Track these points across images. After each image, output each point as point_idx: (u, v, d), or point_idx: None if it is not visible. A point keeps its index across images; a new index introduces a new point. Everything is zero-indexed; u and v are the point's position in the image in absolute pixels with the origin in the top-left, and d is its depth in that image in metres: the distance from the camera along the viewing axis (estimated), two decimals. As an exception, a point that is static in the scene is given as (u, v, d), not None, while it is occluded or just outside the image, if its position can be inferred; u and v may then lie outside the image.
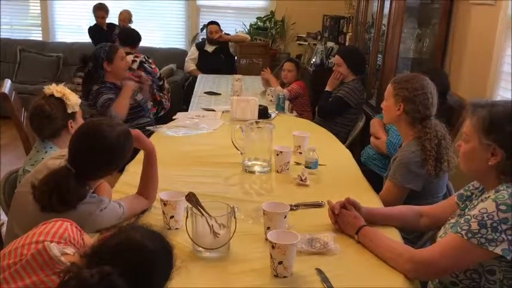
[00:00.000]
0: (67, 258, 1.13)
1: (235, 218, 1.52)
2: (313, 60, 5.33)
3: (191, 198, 1.53)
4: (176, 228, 1.66)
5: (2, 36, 6.14)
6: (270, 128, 2.28)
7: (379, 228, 1.70)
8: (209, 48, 5.56)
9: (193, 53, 5.62)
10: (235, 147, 2.33)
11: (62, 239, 1.16)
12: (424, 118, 2.11)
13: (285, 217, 1.62)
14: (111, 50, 3.20)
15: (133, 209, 1.73)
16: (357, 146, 3.55)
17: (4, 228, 1.74)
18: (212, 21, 5.67)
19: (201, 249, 1.51)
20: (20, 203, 1.62)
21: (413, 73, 2.30)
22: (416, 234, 2.03)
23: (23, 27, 6.44)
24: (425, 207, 1.82)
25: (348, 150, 2.73)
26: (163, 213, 1.67)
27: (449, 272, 1.45)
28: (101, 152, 1.54)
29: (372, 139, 2.95)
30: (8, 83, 2.63)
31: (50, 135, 2.02)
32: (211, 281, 1.40)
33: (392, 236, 1.66)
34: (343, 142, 3.42)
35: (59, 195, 1.49)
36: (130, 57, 3.88)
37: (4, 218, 1.88)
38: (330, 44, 5.37)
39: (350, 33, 4.98)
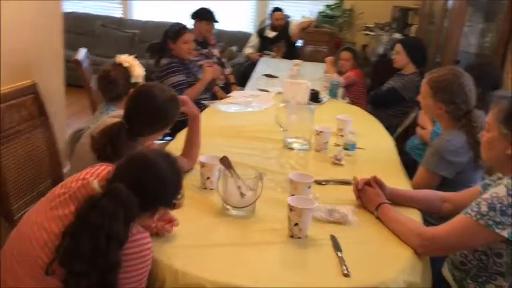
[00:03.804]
0: None
1: (261, 182, 1.67)
2: (377, 50, 5.33)
3: (224, 161, 1.70)
4: (211, 189, 1.83)
5: (83, 11, 6.61)
6: (312, 109, 2.40)
7: (402, 209, 1.79)
8: (270, 34, 5.69)
9: (252, 40, 5.78)
10: (279, 124, 2.48)
11: (103, 178, 1.37)
12: (467, 112, 2.15)
13: (309, 187, 1.76)
14: (178, 32, 3.42)
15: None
16: (408, 136, 3.57)
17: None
18: (277, 8, 5.79)
19: (228, 207, 1.67)
20: (80, 153, 1.86)
21: (447, 68, 2.29)
22: (441, 220, 2.08)
23: (105, 3, 6.89)
24: (450, 193, 1.88)
25: (390, 138, 2.79)
26: (201, 174, 1.85)
27: (455, 250, 1.53)
28: (149, 111, 1.74)
29: (418, 129, 2.98)
30: (82, 51, 2.92)
31: (113, 98, 2.27)
32: (233, 235, 1.57)
33: (414, 217, 1.74)
34: (393, 133, 3.47)
35: (113, 146, 1.70)
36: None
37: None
38: (396, 35, 5.34)
39: (416, 25, 4.93)
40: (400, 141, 3.17)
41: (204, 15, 4.20)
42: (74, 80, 3.22)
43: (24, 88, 2.01)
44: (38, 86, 2.08)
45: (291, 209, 1.52)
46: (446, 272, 1.74)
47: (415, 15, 5.07)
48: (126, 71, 2.28)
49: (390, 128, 3.56)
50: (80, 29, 6.40)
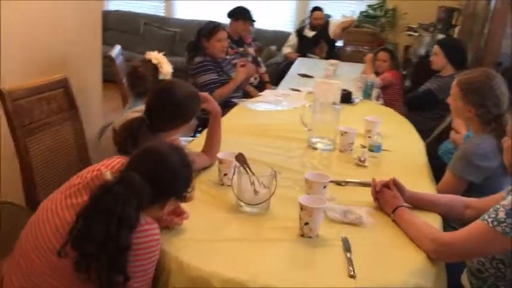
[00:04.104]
0: None
1: (276, 180, 1.67)
2: (418, 51, 5.21)
3: (240, 158, 1.71)
4: (228, 185, 1.84)
5: (128, 10, 6.80)
6: (337, 109, 2.38)
7: (422, 213, 1.75)
8: (309, 34, 5.66)
9: (291, 39, 5.77)
10: (303, 123, 2.47)
11: (117, 170, 1.41)
12: (497, 116, 2.07)
13: (325, 187, 1.74)
14: (212, 30, 3.46)
15: (197, 164, 1.94)
16: (443, 140, 3.47)
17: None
18: (316, 7, 5.76)
19: (242, 204, 1.68)
20: (104, 146, 1.93)
21: (479, 70, 2.21)
22: (464, 226, 2.02)
23: (149, 2, 7.05)
24: (473, 199, 1.82)
25: (421, 142, 2.73)
26: (219, 170, 1.87)
27: (471, 256, 1.48)
28: (170, 107, 1.78)
29: (452, 133, 2.89)
30: (117, 48, 3.01)
31: (140, 94, 2.33)
32: (243, 231, 1.58)
33: (433, 222, 1.69)
34: (428, 136, 3.38)
35: (133, 140, 1.75)
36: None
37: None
38: (439, 36, 5.19)
39: (459, 26, 4.78)
40: (435, 145, 3.08)
41: (240, 14, 4.22)
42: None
43: (55, 82, 2.10)
44: (68, 80, 2.16)
45: (302, 207, 1.52)
46: (465, 280, 1.69)
47: (459, 15, 4.92)
48: (154, 68, 2.33)
49: (426, 131, 3.47)
50: (124, 27, 6.59)
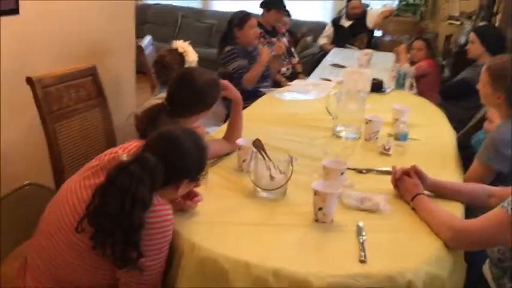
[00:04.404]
0: None
1: (292, 166, 1.68)
2: (459, 40, 5.05)
3: (256, 143, 1.72)
4: (247, 171, 1.87)
5: (166, 3, 6.91)
6: (363, 97, 2.35)
7: (445, 202, 1.71)
8: (345, 24, 5.58)
9: (327, 29, 5.69)
10: (328, 112, 2.45)
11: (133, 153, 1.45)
12: None
13: (342, 174, 1.73)
14: (243, 18, 3.48)
15: (217, 150, 1.98)
16: (477, 130, 3.36)
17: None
18: (354, -4, 5.67)
19: (258, 189, 1.70)
20: (128, 132, 1.98)
21: (509, 56, 2.12)
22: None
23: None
24: (498, 188, 1.76)
25: (452, 132, 2.66)
26: (238, 156, 1.89)
27: (489, 245, 1.44)
28: (189, 94, 1.81)
29: (486, 123, 2.80)
30: (147, 39, 3.08)
31: (165, 82, 2.37)
32: (258, 215, 1.59)
33: (455, 211, 1.65)
34: (464, 126, 3.28)
35: (154, 126, 1.78)
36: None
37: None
38: (481, 24, 5.01)
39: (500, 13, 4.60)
40: (470, 136, 2.99)
41: (273, 4, 4.22)
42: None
43: (83, 70, 2.17)
44: (96, 69, 2.23)
45: (316, 193, 1.52)
46: (486, 270, 1.64)
47: (501, 2, 4.72)
48: (180, 57, 2.37)
49: (461, 122, 3.37)
50: (162, 20, 6.70)
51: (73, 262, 1.36)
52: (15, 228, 1.58)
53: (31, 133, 2.35)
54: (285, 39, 4.38)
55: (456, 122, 3.26)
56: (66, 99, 2.05)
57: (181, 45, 2.40)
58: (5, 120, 2.40)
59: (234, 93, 2.02)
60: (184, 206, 1.52)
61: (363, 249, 1.38)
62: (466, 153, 2.37)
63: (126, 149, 1.47)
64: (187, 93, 1.81)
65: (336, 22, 5.68)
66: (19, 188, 1.63)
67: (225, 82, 1.97)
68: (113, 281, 1.38)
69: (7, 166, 2.43)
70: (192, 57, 2.39)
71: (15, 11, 2.34)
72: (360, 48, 5.34)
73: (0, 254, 1.59)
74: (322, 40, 5.70)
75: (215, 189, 1.72)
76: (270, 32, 4.23)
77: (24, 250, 1.54)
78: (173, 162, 1.35)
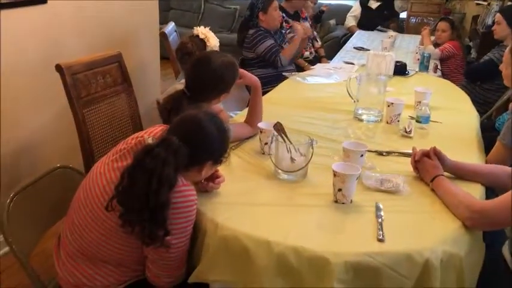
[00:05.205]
0: None
1: (312, 148, 1.71)
2: (486, 21, 4.96)
3: (277, 126, 1.76)
4: (269, 154, 1.91)
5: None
6: (384, 80, 2.35)
7: (464, 183, 1.72)
8: (373, 5, 5.52)
9: (355, 9, 5.64)
10: (349, 95, 2.47)
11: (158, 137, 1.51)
12: None
13: (362, 156, 1.76)
14: (267, 1, 3.50)
15: (239, 134, 2.02)
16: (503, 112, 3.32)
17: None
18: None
19: (279, 171, 1.74)
20: (154, 117, 2.04)
21: None
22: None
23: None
24: (520, 169, 1.76)
25: (476, 114, 2.63)
26: (260, 139, 1.94)
27: (506, 225, 1.45)
28: (206, 76, 1.85)
29: (510, 104, 2.77)
30: (170, 25, 3.13)
31: (188, 68, 2.43)
32: (279, 196, 1.63)
33: (474, 192, 1.66)
34: (489, 108, 3.25)
35: (176, 112, 1.84)
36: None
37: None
38: (509, 4, 4.89)
39: (530, -8, 4.49)
40: (495, 118, 2.97)
41: None
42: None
43: (109, 57, 2.24)
44: (121, 56, 2.29)
45: (335, 174, 1.55)
46: (505, 251, 1.65)
47: (531, -19, 4.61)
48: (201, 43, 2.41)
49: (486, 104, 3.35)
50: (185, 6, 6.74)
51: (101, 239, 1.44)
52: (49, 208, 1.66)
53: (61, 119, 2.44)
54: (307, 23, 4.37)
55: (480, 104, 3.23)
56: (93, 86, 2.12)
57: (202, 31, 2.43)
58: (37, 107, 2.50)
59: (251, 79, 2.05)
60: (207, 187, 1.58)
61: (381, 229, 1.42)
62: (490, 135, 2.36)
63: (152, 133, 1.53)
64: (204, 76, 1.85)
65: (363, 3, 5.61)
66: (51, 171, 1.70)
67: (241, 70, 2.00)
68: (137, 258, 1.46)
69: (40, 150, 2.54)
70: (213, 42, 2.43)
71: (43, 0, 2.42)
72: (393, 30, 5.27)
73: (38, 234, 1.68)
74: (350, 21, 5.64)
75: (237, 171, 1.77)
76: (291, 16, 4.23)
77: (59, 228, 1.62)
78: (196, 144, 1.40)
